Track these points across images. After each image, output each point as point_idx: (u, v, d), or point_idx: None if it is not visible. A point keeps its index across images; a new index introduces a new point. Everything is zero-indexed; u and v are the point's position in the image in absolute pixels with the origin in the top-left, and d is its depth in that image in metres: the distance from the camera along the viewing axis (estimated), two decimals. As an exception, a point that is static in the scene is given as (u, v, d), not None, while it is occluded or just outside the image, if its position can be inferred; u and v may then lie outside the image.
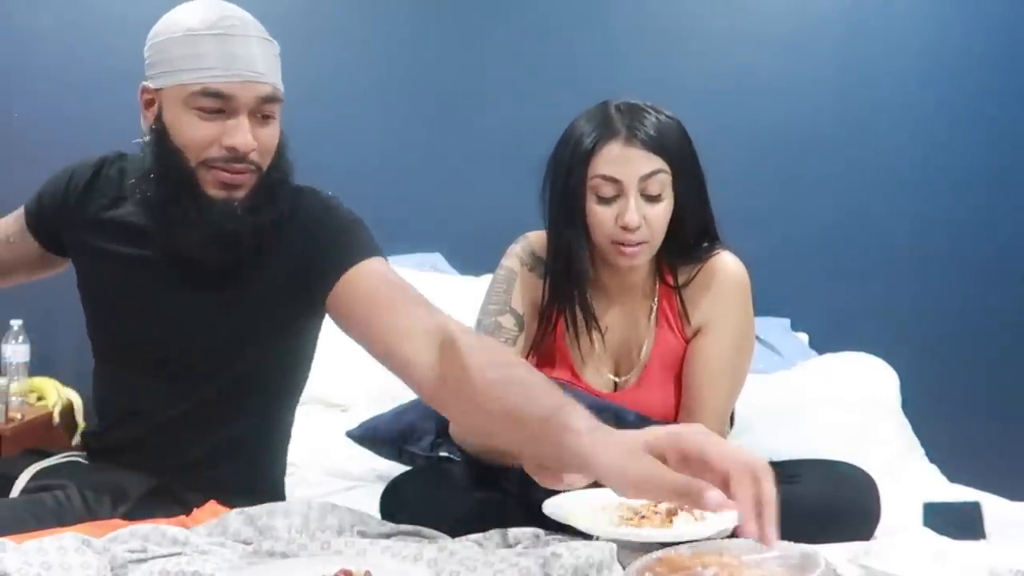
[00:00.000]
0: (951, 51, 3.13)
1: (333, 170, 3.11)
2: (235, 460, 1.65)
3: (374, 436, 2.03)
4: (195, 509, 1.54)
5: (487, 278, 2.98)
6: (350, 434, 2.08)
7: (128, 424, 1.66)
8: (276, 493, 1.72)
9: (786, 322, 2.96)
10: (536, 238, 1.86)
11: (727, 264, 1.82)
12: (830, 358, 2.73)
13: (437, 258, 3.03)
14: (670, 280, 1.82)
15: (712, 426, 1.77)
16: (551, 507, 1.48)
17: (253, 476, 1.68)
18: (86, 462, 1.69)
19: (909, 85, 3.13)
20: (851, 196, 3.13)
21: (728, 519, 1.37)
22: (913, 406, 2.57)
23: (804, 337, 2.98)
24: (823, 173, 3.13)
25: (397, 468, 1.88)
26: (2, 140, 3.02)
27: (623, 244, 1.72)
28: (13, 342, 2.94)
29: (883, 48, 3.13)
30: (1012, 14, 3.13)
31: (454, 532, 1.54)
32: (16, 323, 2.93)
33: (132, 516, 1.50)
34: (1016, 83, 3.14)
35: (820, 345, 2.92)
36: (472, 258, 2.97)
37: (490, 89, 3.09)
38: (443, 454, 1.85)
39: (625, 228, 1.69)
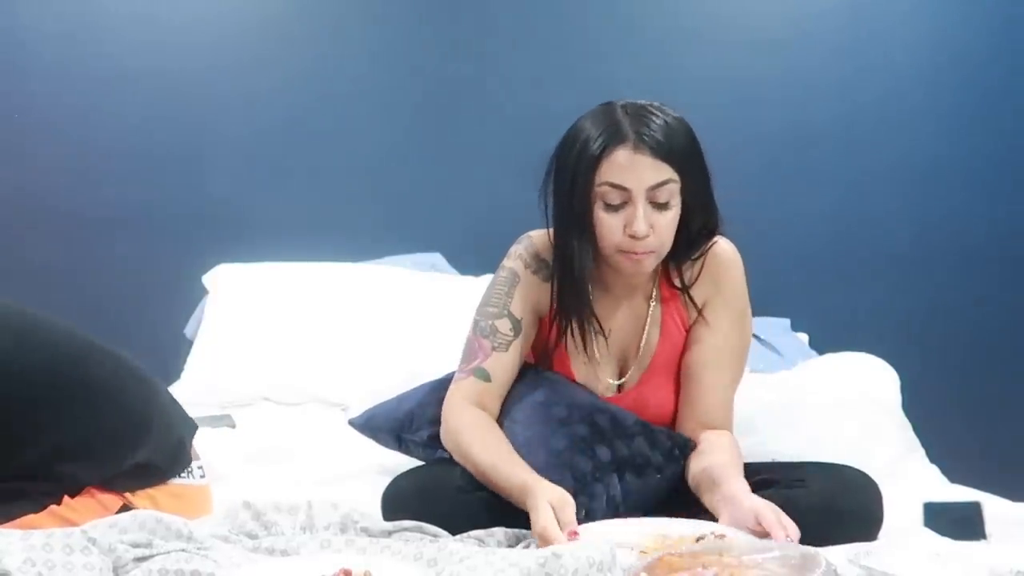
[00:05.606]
0: (953, 51, 3.13)
1: (333, 170, 3.14)
2: None
3: (374, 424, 2.03)
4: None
5: (487, 278, 2.97)
6: (351, 422, 2.08)
7: None
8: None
9: (786, 322, 2.96)
10: (539, 238, 1.84)
11: (723, 251, 1.83)
12: (830, 358, 2.72)
13: (437, 258, 3.02)
14: (675, 280, 1.82)
15: (716, 414, 1.80)
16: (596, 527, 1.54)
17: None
18: None
19: (909, 85, 3.13)
20: (851, 196, 3.13)
21: None
22: (914, 406, 2.57)
23: (804, 337, 2.98)
24: (823, 173, 3.13)
25: (397, 467, 1.88)
26: (2, 140, 3.01)
27: (630, 252, 1.70)
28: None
29: (885, 48, 3.13)
30: (1013, 13, 3.13)
31: (455, 531, 1.55)
32: (16, 323, 2.92)
33: None
34: (1018, 83, 3.14)
35: (820, 345, 2.92)
36: (472, 258, 2.97)
37: (490, 88, 3.09)
38: (440, 453, 1.84)
39: (633, 237, 1.68)
